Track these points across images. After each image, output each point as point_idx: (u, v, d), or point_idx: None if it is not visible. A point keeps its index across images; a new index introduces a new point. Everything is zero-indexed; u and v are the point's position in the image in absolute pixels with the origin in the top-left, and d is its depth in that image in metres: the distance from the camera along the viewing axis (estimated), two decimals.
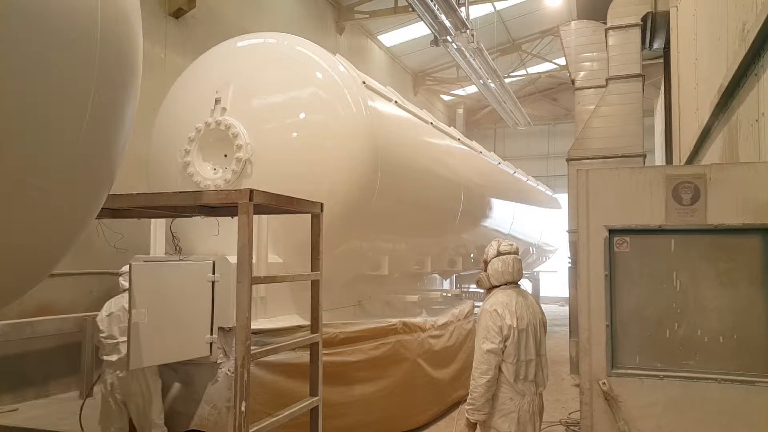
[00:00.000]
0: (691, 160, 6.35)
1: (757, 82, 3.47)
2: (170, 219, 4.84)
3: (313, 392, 4.03)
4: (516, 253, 3.94)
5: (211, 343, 4.43)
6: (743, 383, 2.83)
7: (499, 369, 3.64)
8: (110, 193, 2.51)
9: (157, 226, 5.36)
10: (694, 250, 2.98)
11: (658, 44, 9.60)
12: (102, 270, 7.49)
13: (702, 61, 5.68)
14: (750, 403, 2.81)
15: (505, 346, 3.62)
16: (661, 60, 9.98)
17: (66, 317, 7.02)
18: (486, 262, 3.94)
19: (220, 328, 4.58)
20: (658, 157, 12.97)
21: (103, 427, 4.86)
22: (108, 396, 4.80)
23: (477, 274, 4.12)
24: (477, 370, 3.62)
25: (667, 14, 8.57)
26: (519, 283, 3.95)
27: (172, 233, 4.85)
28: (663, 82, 10.30)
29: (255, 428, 3.31)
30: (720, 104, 4.47)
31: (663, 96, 10.32)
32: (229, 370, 4.66)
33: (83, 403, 5.12)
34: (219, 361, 4.73)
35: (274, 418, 3.53)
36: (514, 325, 3.61)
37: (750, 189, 2.83)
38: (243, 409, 3.17)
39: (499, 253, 3.88)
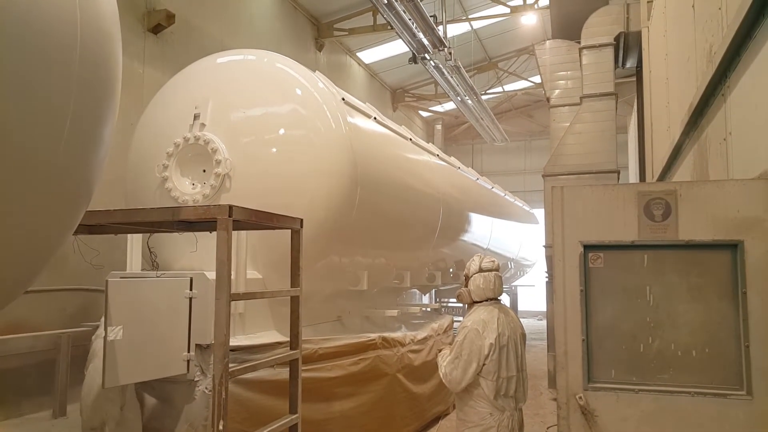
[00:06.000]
0: (663, 177, 6.50)
1: (725, 102, 3.59)
2: (148, 234, 4.80)
3: (293, 410, 4.01)
4: (497, 269, 3.99)
5: (188, 361, 4.38)
6: (715, 396, 2.89)
7: (479, 384, 3.67)
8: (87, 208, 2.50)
9: (134, 242, 5.30)
10: (666, 265, 3.05)
11: (630, 63, 9.84)
12: (77, 287, 7.36)
13: (673, 80, 5.83)
14: (722, 416, 2.86)
15: (485, 364, 3.65)
16: (634, 78, 10.22)
17: (39, 335, 6.87)
18: (467, 278, 3.98)
19: (198, 346, 4.53)
20: (632, 173, 13.24)
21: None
22: None
23: (457, 289, 4.16)
24: (454, 381, 3.66)
25: (638, 34, 8.80)
26: (499, 298, 4.00)
27: (150, 249, 4.81)
28: (636, 100, 10.54)
29: None
30: (690, 122, 4.59)
31: (636, 113, 10.56)
32: (206, 388, 4.60)
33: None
34: (196, 379, 4.67)
35: None
36: (495, 343, 3.65)
37: (719, 206, 2.91)
38: (221, 427, 3.14)
39: (481, 270, 3.93)
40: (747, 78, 3.13)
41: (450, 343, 4.60)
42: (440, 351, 4.04)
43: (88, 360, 4.87)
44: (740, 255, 2.85)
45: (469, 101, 16.11)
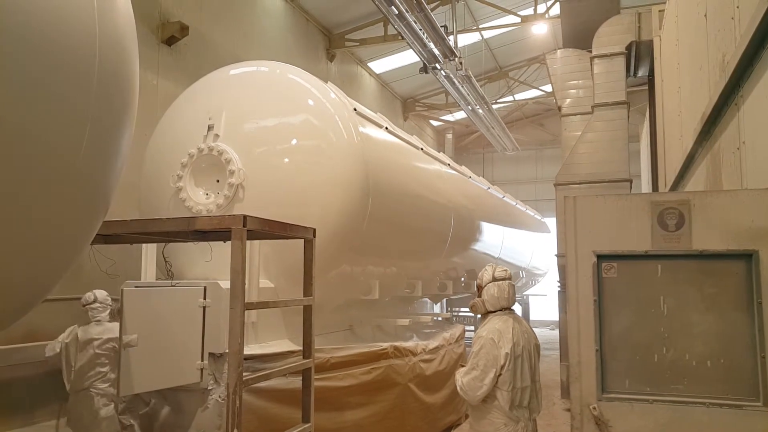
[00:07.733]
0: (676, 186, 6.47)
1: (738, 111, 3.58)
2: (162, 244, 4.85)
3: (305, 418, 4.01)
4: (510, 278, 3.99)
5: (201, 369, 4.41)
6: (731, 407, 2.87)
7: (494, 394, 3.66)
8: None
9: (148, 251, 5.35)
10: (680, 275, 3.04)
11: (642, 72, 9.82)
12: None
13: (685, 89, 5.82)
14: (738, 427, 2.84)
15: (501, 374, 3.64)
16: (646, 87, 10.20)
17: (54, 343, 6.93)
18: (480, 288, 3.98)
19: (211, 354, 4.55)
20: (645, 182, 13.16)
21: None
22: None
23: (469, 299, 4.16)
24: (471, 392, 3.65)
25: (650, 43, 8.79)
26: (512, 308, 4.00)
27: (165, 258, 4.85)
28: (648, 109, 10.51)
29: None
30: (703, 132, 4.58)
31: (648, 122, 10.52)
32: (219, 397, 4.63)
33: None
34: (209, 388, 4.69)
35: None
36: (510, 353, 3.64)
37: (732, 216, 2.90)
38: None
39: (494, 279, 3.92)
40: (760, 88, 3.12)
41: (459, 362, 4.58)
42: (458, 369, 4.04)
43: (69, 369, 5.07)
44: (755, 265, 2.84)
45: (480, 110, 16.13)
